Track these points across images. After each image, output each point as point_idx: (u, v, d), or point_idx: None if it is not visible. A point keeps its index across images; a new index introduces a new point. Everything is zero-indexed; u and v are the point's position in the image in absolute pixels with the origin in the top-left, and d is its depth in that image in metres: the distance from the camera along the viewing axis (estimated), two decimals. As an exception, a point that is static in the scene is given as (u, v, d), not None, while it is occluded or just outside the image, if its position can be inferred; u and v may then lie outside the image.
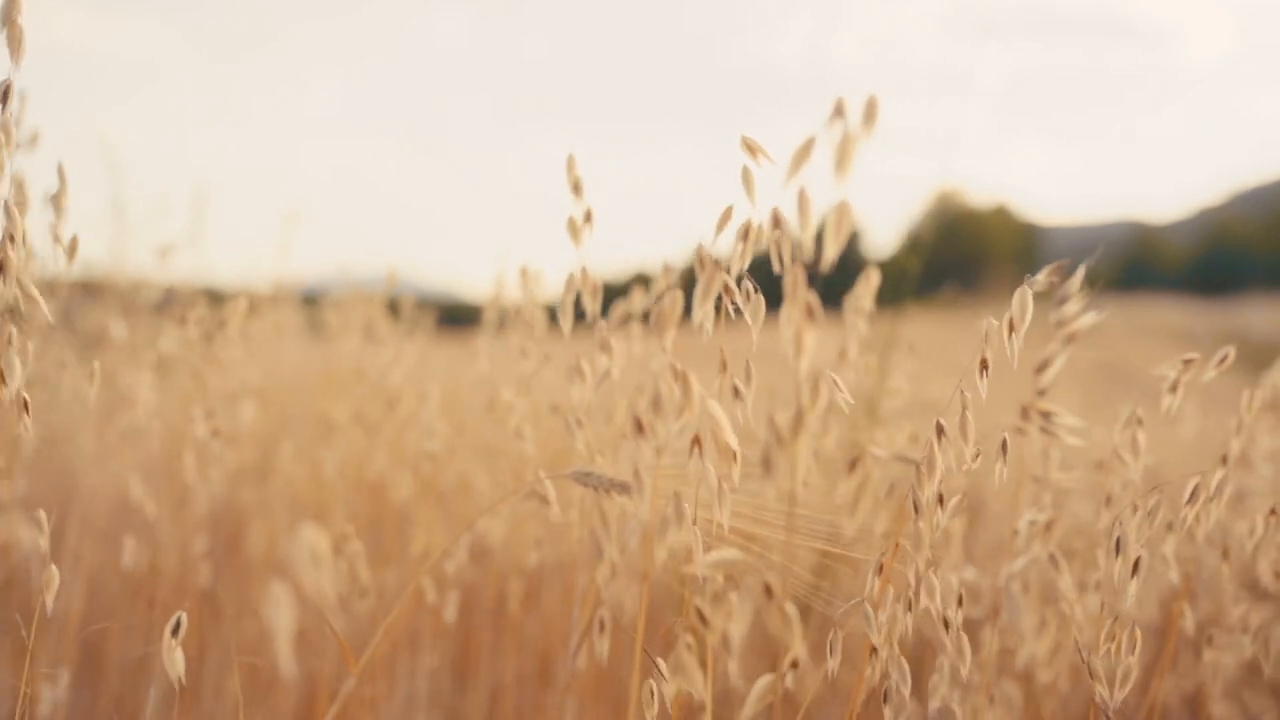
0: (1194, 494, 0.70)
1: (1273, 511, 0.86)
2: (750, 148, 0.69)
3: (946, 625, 0.75)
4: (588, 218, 0.86)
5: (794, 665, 0.65)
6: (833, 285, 0.77)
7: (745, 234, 0.74)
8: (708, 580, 0.69)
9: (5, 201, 0.74)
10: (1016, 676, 1.05)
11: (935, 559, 0.73)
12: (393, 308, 1.92)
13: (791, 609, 0.63)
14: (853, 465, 0.61)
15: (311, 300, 2.55)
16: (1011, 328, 0.71)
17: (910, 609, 0.74)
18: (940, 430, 0.73)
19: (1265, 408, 1.05)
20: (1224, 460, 0.81)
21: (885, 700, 0.75)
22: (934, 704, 0.84)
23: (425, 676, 1.43)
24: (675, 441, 0.67)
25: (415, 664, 1.44)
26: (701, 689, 0.65)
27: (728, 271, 0.74)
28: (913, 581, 0.73)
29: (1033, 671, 0.97)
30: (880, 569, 0.74)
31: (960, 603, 0.75)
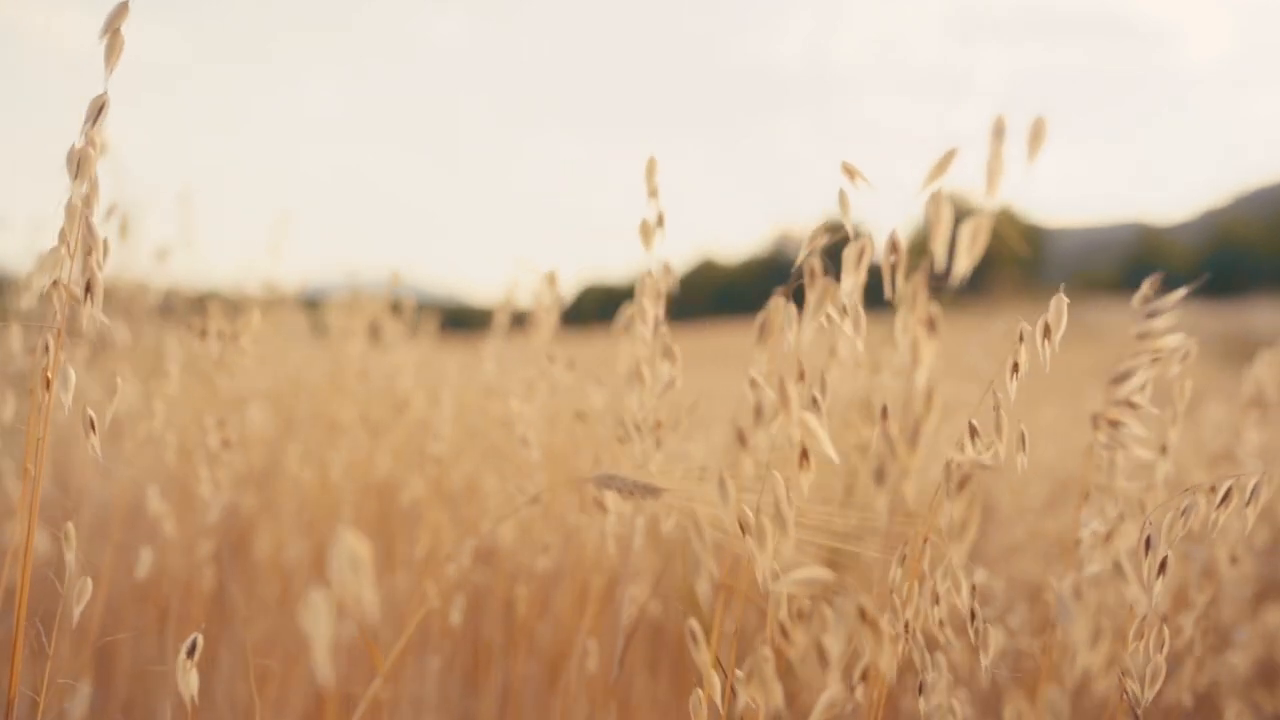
0: (1227, 496, 0.70)
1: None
2: (849, 171, 0.69)
3: (973, 616, 0.75)
4: (660, 221, 0.86)
5: (864, 677, 0.65)
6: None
7: (859, 256, 0.72)
8: (791, 597, 0.69)
9: (84, 216, 0.72)
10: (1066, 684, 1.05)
11: (948, 556, 0.73)
12: (397, 310, 1.92)
13: (887, 626, 0.63)
14: (962, 484, 0.60)
15: (314, 303, 2.55)
16: (1047, 333, 0.71)
17: (937, 602, 0.74)
18: (974, 431, 0.73)
19: (1251, 403, 1.04)
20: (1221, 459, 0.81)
21: (920, 692, 0.75)
22: (933, 700, 0.84)
23: (435, 679, 1.43)
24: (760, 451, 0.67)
25: (425, 667, 1.44)
26: (780, 701, 0.65)
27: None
28: (937, 576, 0.73)
29: (1089, 682, 0.97)
30: (903, 559, 0.73)
31: (974, 592, 0.75)
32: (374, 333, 1.87)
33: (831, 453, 0.65)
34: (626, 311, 1.28)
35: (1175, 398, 0.84)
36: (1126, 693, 0.69)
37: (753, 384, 0.68)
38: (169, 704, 1.35)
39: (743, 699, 0.67)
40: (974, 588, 0.75)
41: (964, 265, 0.57)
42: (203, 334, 1.35)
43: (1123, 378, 0.71)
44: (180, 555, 1.51)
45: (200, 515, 1.47)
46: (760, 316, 0.71)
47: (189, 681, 0.72)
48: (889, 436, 0.59)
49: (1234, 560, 0.98)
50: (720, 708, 0.72)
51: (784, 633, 0.71)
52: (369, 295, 1.96)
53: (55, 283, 0.71)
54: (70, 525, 0.75)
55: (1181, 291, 0.70)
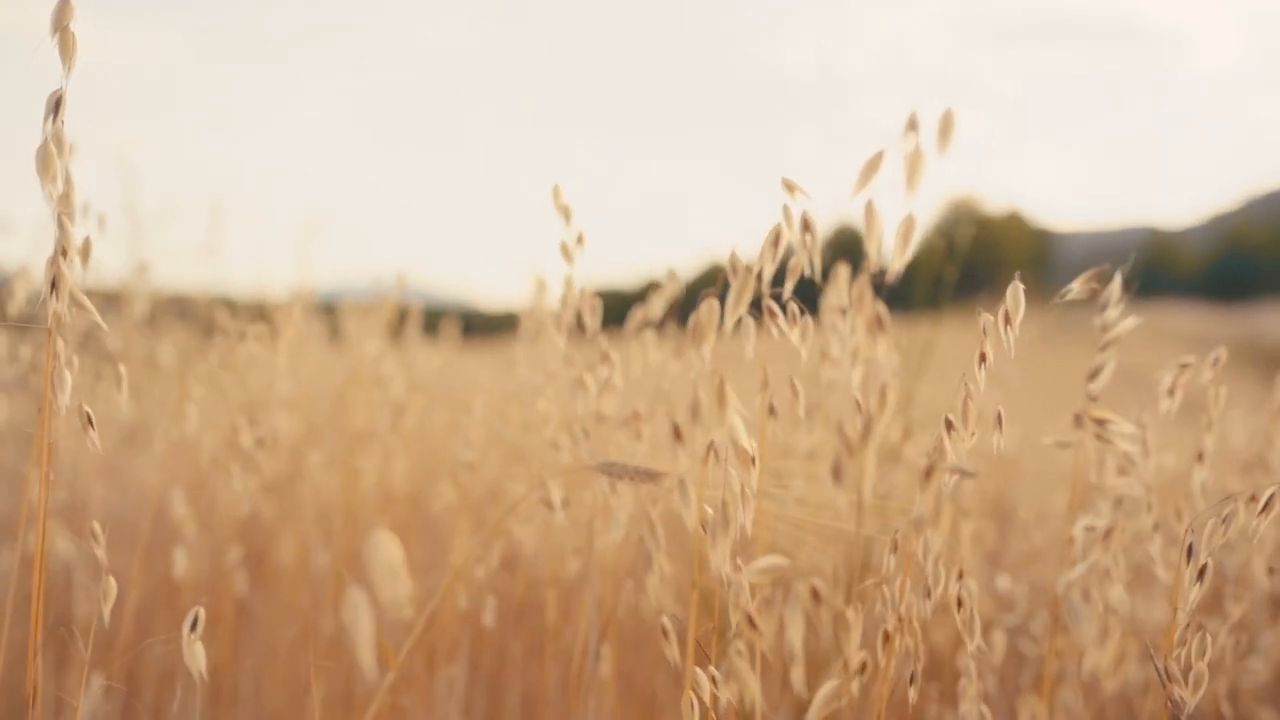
0: (1269, 503, 0.70)
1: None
2: (789, 186, 0.70)
3: (960, 604, 0.76)
4: (579, 240, 0.93)
5: (862, 669, 0.66)
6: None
7: (775, 241, 0.74)
8: (753, 587, 0.70)
9: (58, 214, 0.73)
10: (1077, 684, 1.05)
11: (951, 554, 0.74)
12: (417, 316, 1.92)
13: (853, 614, 0.64)
14: (929, 472, 0.61)
15: (328, 309, 2.56)
16: (1008, 320, 0.73)
17: (929, 595, 0.74)
18: (949, 425, 0.73)
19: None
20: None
21: (911, 682, 0.75)
22: (963, 707, 0.84)
23: (458, 685, 1.43)
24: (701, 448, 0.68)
25: (448, 673, 1.44)
26: (758, 695, 0.65)
27: (759, 279, 0.75)
28: (929, 564, 0.73)
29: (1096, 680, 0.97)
30: (895, 546, 0.74)
31: (960, 576, 0.75)
32: (396, 338, 1.88)
33: (752, 451, 0.66)
34: (637, 315, 1.29)
35: (1210, 404, 0.84)
36: (1171, 700, 0.69)
37: (694, 384, 0.69)
38: (190, 698, 1.36)
39: (723, 696, 0.68)
40: (961, 574, 0.76)
41: (899, 264, 0.58)
42: (240, 337, 1.36)
43: (1093, 375, 0.72)
44: (204, 561, 1.52)
45: (225, 520, 1.48)
46: (692, 319, 0.72)
47: (195, 656, 0.73)
48: (845, 435, 0.60)
49: (1271, 571, 0.98)
50: (702, 704, 0.72)
51: (752, 623, 0.72)
52: (387, 301, 1.97)
53: (53, 286, 0.72)
54: (96, 525, 0.76)
55: (1118, 281, 0.72)
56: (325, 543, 1.62)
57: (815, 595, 0.67)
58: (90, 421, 0.76)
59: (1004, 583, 1.18)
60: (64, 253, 0.73)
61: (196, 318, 2.17)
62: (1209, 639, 0.69)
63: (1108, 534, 0.67)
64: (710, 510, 0.68)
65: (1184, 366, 0.83)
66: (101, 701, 1.25)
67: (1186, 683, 0.70)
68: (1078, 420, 0.70)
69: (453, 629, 1.44)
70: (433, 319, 2.14)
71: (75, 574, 1.50)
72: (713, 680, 0.70)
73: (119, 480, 1.75)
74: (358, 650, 0.45)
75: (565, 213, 0.94)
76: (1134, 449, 0.68)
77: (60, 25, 0.71)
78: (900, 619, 0.73)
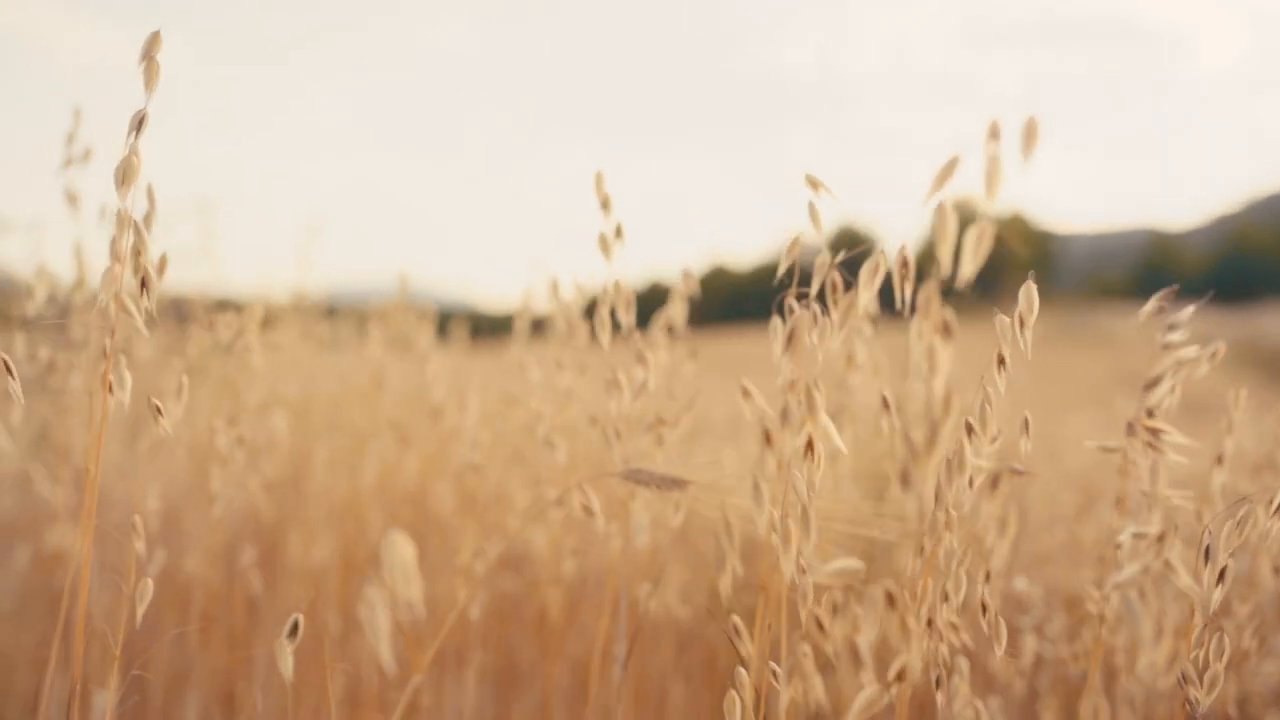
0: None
1: None
2: (813, 183, 0.71)
3: (984, 609, 0.76)
4: (618, 233, 0.89)
5: (900, 677, 0.66)
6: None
7: (874, 270, 0.73)
8: (824, 589, 0.70)
9: (135, 220, 0.76)
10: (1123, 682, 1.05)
11: (972, 556, 0.74)
12: (427, 318, 1.92)
13: (914, 621, 0.64)
14: (995, 482, 0.62)
15: (329, 311, 2.57)
16: (1022, 322, 0.73)
17: (946, 599, 0.74)
18: (970, 429, 0.73)
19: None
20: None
21: (937, 686, 0.75)
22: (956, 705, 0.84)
23: (470, 687, 1.44)
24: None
25: (459, 676, 1.45)
26: (823, 695, 0.66)
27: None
28: (951, 569, 0.73)
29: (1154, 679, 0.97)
30: (920, 550, 0.74)
31: (988, 577, 0.75)
32: (405, 340, 1.88)
33: (844, 449, 0.67)
34: (601, 310, 1.29)
35: (1230, 406, 0.84)
36: (1189, 700, 0.69)
37: (788, 389, 0.69)
38: (199, 699, 1.36)
39: (785, 696, 0.68)
40: (988, 575, 0.76)
41: (969, 270, 0.58)
42: (237, 335, 1.36)
43: (1152, 385, 0.72)
44: (212, 561, 1.52)
45: (227, 519, 1.48)
46: (788, 325, 0.72)
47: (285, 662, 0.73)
48: (911, 441, 0.61)
49: (1278, 571, 0.98)
50: (752, 705, 0.72)
51: (820, 626, 0.72)
52: (392, 303, 1.97)
53: (116, 296, 0.74)
54: (138, 518, 0.77)
55: (1192, 307, 0.72)
56: (331, 541, 1.62)
57: (890, 599, 0.67)
58: (160, 412, 0.78)
59: (1020, 584, 1.19)
60: (139, 253, 0.75)
61: (196, 320, 2.17)
62: (1226, 640, 0.70)
63: (1160, 537, 0.67)
64: (778, 514, 0.68)
65: (1182, 364, 0.83)
66: (115, 702, 1.25)
67: (1202, 683, 0.71)
68: (1130, 429, 0.70)
69: (464, 630, 1.44)
70: (441, 321, 2.14)
71: (94, 574, 1.50)
72: (767, 681, 0.70)
73: (128, 479, 1.75)
74: (377, 648, 0.45)
75: (605, 203, 0.89)
76: (1185, 460, 0.69)
77: (148, 55, 0.75)
78: (930, 623, 0.73)
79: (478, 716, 1.47)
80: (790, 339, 0.71)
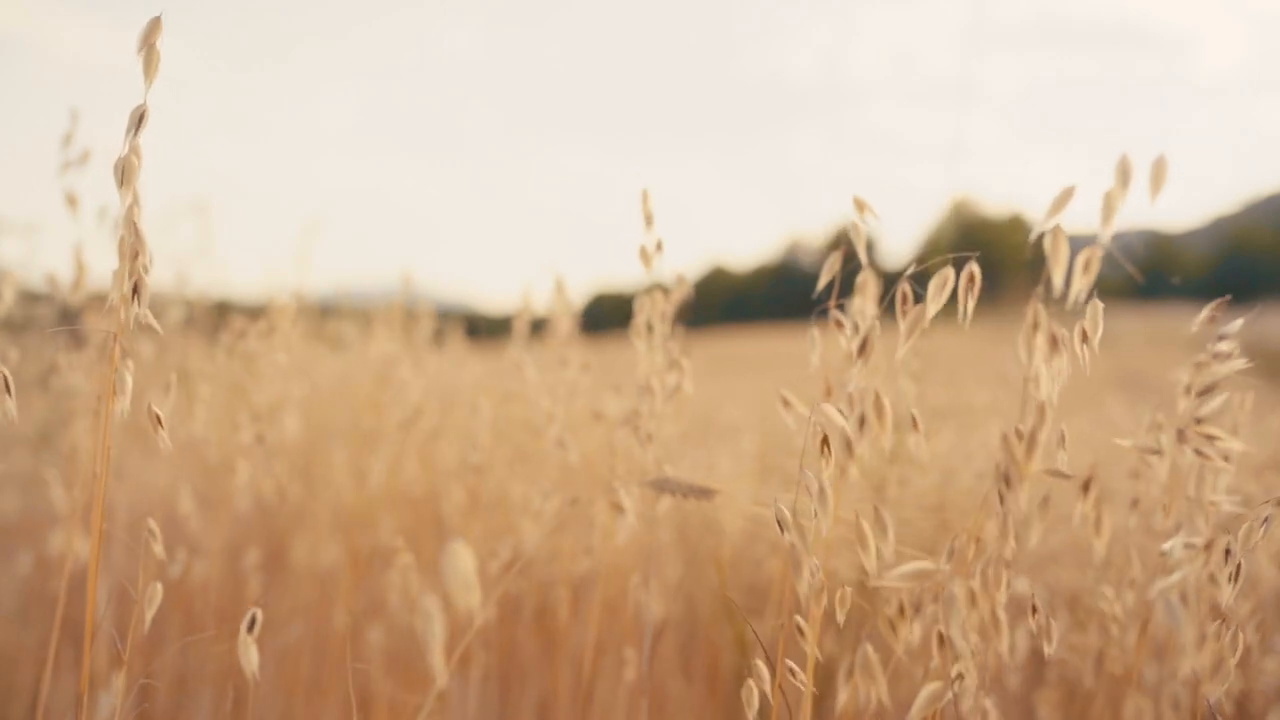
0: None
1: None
2: (860, 205, 0.73)
3: (1034, 610, 0.77)
4: (659, 246, 0.92)
5: (960, 677, 0.67)
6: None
7: (943, 284, 0.75)
8: (895, 591, 0.72)
9: (135, 221, 0.75)
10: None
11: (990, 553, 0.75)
12: (426, 319, 1.93)
13: (1002, 615, 0.66)
14: (1086, 485, 0.65)
15: (328, 312, 2.57)
16: (1085, 337, 0.74)
17: (974, 604, 0.75)
18: (1020, 435, 0.74)
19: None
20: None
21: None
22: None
23: (474, 688, 1.44)
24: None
25: (464, 675, 1.45)
26: (885, 694, 0.68)
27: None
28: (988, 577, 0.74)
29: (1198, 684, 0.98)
30: (951, 555, 0.75)
31: (1008, 584, 0.76)
32: (404, 341, 1.88)
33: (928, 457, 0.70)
34: (639, 319, 1.30)
35: (1235, 409, 0.85)
36: (1205, 697, 0.70)
37: (852, 399, 0.71)
38: (207, 697, 1.36)
39: (843, 694, 0.70)
40: (1007, 583, 0.76)
41: (1080, 288, 0.63)
42: (240, 336, 1.37)
43: (1206, 392, 0.73)
44: (217, 562, 1.53)
45: (234, 519, 1.48)
46: (863, 332, 0.74)
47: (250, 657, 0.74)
48: (1011, 446, 0.64)
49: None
50: (768, 697, 0.74)
51: (891, 627, 0.74)
52: (396, 304, 1.97)
53: (122, 297, 0.74)
54: (152, 522, 0.78)
55: (1241, 320, 0.74)
56: (337, 542, 1.63)
57: (973, 598, 0.68)
58: (159, 421, 0.78)
59: (1023, 585, 1.19)
60: (135, 256, 0.75)
61: (195, 321, 2.18)
62: (1240, 636, 0.70)
63: (1208, 546, 0.69)
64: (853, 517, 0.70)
65: (1200, 365, 0.84)
66: (120, 703, 1.26)
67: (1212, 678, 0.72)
68: (1181, 436, 0.71)
69: (466, 631, 1.44)
70: (440, 321, 2.15)
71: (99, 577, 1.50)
72: (850, 675, 0.72)
73: (132, 481, 1.76)
74: (429, 654, 0.47)
75: (649, 218, 0.93)
76: (1230, 468, 0.70)
77: (147, 42, 0.74)
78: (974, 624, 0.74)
79: (481, 716, 1.48)
80: (864, 347, 0.73)
